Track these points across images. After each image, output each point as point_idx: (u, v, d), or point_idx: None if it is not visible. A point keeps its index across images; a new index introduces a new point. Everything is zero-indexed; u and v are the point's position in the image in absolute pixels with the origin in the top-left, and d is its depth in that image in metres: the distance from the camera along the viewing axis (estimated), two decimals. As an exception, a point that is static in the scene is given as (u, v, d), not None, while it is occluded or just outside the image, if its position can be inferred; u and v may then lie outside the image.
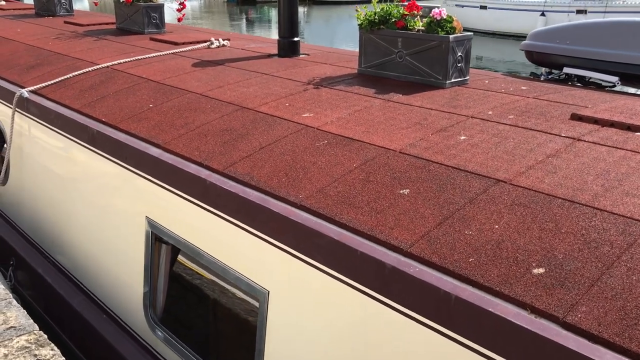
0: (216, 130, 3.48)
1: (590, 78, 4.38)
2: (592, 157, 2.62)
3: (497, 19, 27.12)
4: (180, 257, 3.48)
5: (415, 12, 4.04)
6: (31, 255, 4.78)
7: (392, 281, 2.16)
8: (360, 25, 4.19)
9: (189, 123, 3.65)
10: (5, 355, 2.69)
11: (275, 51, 5.25)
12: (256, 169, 2.99)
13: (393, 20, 4.06)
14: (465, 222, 2.27)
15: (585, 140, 2.79)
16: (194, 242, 3.16)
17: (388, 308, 2.17)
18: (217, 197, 2.96)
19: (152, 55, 5.31)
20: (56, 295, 4.31)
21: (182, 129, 3.60)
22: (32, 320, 3.03)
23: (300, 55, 5.16)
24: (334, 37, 28.73)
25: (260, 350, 2.77)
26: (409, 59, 3.97)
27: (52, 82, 4.89)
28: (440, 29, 3.84)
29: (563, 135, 2.88)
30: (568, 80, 4.61)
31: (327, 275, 2.41)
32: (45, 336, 2.89)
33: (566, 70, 4.41)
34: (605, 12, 23.88)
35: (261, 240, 2.72)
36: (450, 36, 3.77)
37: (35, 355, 2.68)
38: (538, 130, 2.96)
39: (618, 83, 4.25)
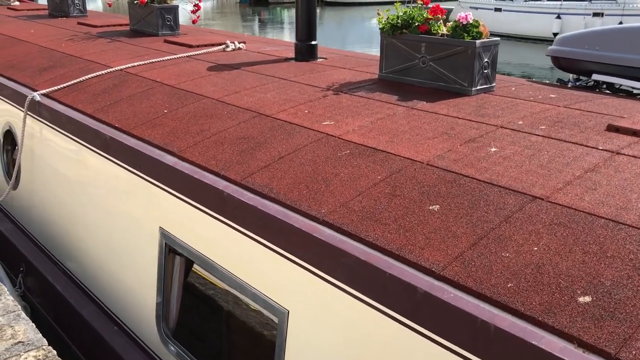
0: (233, 138, 3.35)
1: (621, 85, 4.21)
2: (634, 172, 2.46)
3: (511, 21, 26.83)
4: (194, 271, 3.35)
5: (440, 16, 3.89)
6: (41, 261, 4.67)
7: (424, 307, 2.01)
8: (381, 29, 4.05)
9: (204, 130, 3.52)
10: (13, 374, 2.58)
11: (292, 55, 5.11)
12: (275, 180, 2.85)
13: (416, 24, 3.91)
14: (502, 242, 2.12)
15: (625, 154, 2.63)
16: (210, 255, 3.02)
17: (419, 335, 2.02)
18: (234, 209, 2.83)
19: (166, 58, 5.19)
20: (66, 304, 4.20)
21: (198, 136, 3.47)
22: (40, 335, 2.91)
23: (318, 60, 5.02)
24: (347, 39, 28.60)
25: (278, 372, 2.63)
26: (433, 64, 3.82)
27: (64, 85, 4.79)
28: (466, 34, 3.69)
29: (600, 148, 2.72)
30: (596, 87, 4.44)
31: (351, 297, 2.26)
32: (54, 352, 2.78)
33: (595, 77, 4.23)
34: (622, 15, 23.56)
35: (281, 257, 2.58)
36: (477, 41, 3.62)
37: (44, 374, 2.57)
38: (573, 143, 2.80)
39: None
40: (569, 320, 1.77)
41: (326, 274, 2.37)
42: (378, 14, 4.07)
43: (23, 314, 3.09)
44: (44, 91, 4.75)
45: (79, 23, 7.73)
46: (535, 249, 2.06)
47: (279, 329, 2.62)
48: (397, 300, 2.10)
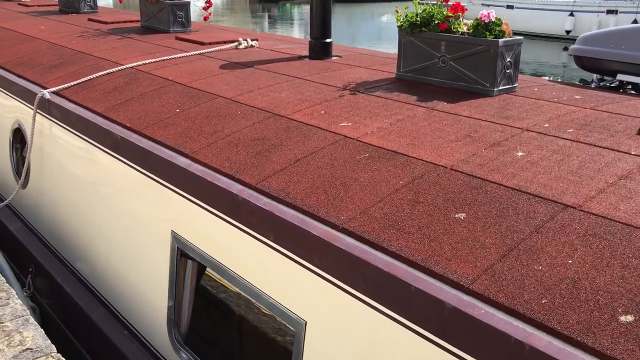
0: (247, 139, 3.25)
1: (648, 86, 4.06)
2: (671, 180, 2.33)
3: (524, 18, 26.53)
4: (207, 275, 3.26)
5: (460, 13, 3.77)
6: (50, 262, 4.60)
7: (452, 323, 1.90)
8: (400, 27, 3.92)
9: (218, 131, 3.42)
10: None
11: (306, 52, 5.00)
12: (292, 184, 2.75)
13: (436, 22, 3.78)
14: (533, 254, 2.00)
15: None
16: (223, 261, 2.92)
17: (447, 353, 1.91)
18: (249, 214, 2.73)
19: (178, 55, 5.10)
20: (75, 307, 4.12)
21: (211, 137, 3.37)
22: (49, 341, 2.83)
23: (332, 58, 4.90)
24: (357, 36, 28.44)
25: (294, 384, 2.53)
26: (453, 63, 3.70)
27: (74, 82, 4.70)
28: (488, 32, 3.56)
29: (633, 153, 2.59)
30: (621, 87, 4.30)
31: (374, 310, 2.15)
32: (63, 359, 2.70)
33: (620, 77, 4.09)
34: (637, 12, 23.26)
35: (298, 265, 2.48)
36: (500, 40, 3.49)
37: (52, 384, 2.48)
38: (603, 147, 2.67)
39: None
40: (611, 341, 1.65)
41: (346, 284, 2.27)
42: (396, 11, 3.95)
43: (32, 319, 3.01)
44: (54, 89, 4.67)
45: (89, 19, 7.65)
46: (570, 262, 1.94)
47: (296, 340, 2.52)
48: (423, 315, 1.99)
